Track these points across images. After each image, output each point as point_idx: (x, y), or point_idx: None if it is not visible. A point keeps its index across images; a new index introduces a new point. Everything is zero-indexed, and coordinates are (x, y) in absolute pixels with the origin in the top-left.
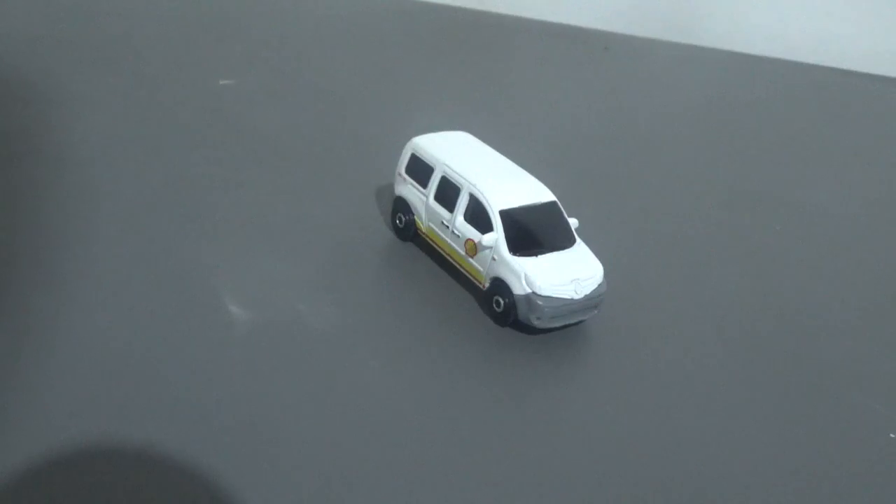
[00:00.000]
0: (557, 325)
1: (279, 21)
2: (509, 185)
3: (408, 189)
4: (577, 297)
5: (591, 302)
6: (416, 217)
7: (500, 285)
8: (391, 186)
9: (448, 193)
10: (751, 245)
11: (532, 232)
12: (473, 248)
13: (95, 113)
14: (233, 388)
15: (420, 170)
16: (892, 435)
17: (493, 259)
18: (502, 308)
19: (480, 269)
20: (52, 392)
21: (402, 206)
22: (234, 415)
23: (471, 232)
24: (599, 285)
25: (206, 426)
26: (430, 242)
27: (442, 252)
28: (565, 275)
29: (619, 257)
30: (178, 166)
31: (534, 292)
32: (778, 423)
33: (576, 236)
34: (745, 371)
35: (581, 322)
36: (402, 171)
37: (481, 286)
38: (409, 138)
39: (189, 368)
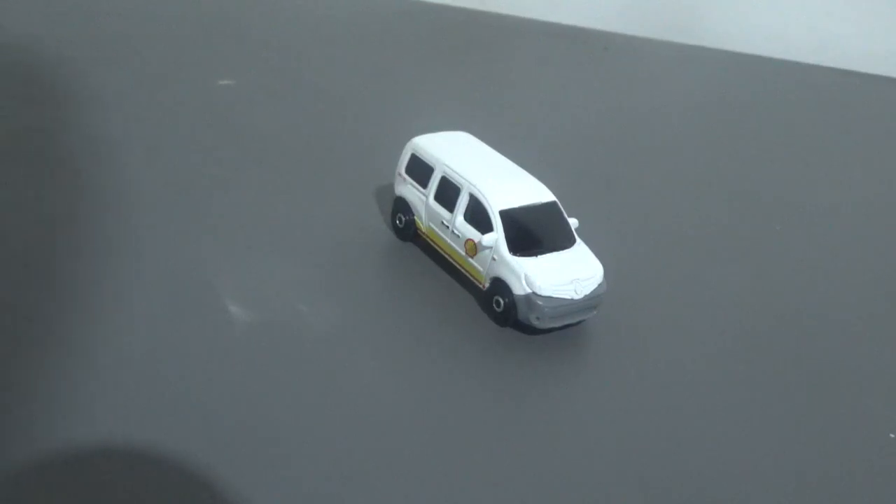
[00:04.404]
0: (557, 325)
1: (279, 21)
2: (509, 185)
3: (408, 189)
4: (577, 297)
5: (591, 302)
6: (416, 217)
7: (500, 285)
8: (391, 186)
9: (448, 193)
10: (751, 245)
11: (532, 232)
12: (473, 248)
13: (95, 113)
14: (233, 388)
15: (420, 170)
16: (892, 435)
17: (493, 259)
18: (502, 308)
19: (480, 269)
20: (51, 392)
21: (402, 206)
22: (234, 415)
23: (471, 232)
24: (599, 285)
25: (206, 426)
26: (430, 242)
27: (442, 252)
28: (565, 275)
29: (619, 257)
30: (178, 166)
31: (534, 292)
32: (778, 423)
33: (576, 236)
34: (745, 371)
35: (581, 322)
36: (402, 171)
37: (481, 286)
38: (409, 138)
39: (189, 369)
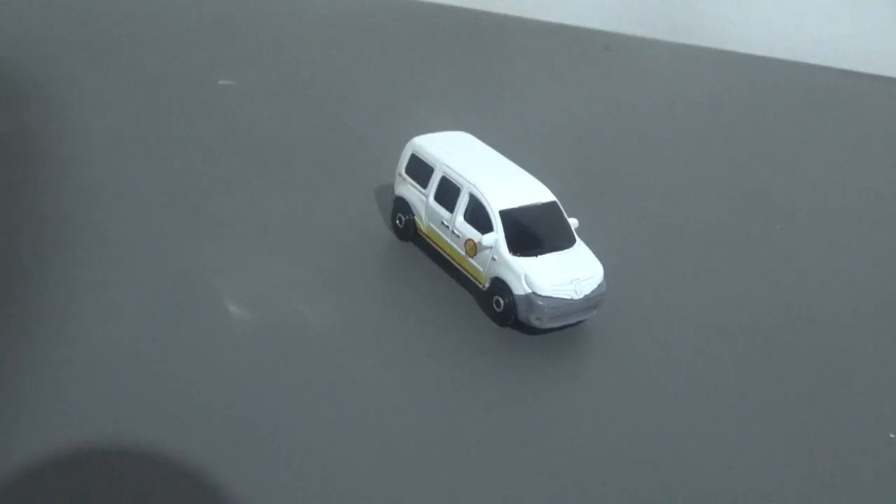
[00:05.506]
0: (557, 325)
1: (279, 21)
2: (509, 186)
3: (408, 189)
4: (576, 297)
5: (591, 302)
6: (416, 217)
7: (500, 285)
8: (391, 186)
9: (448, 193)
10: (751, 245)
11: (532, 232)
12: (473, 248)
13: (95, 113)
14: (233, 388)
15: (420, 170)
16: (892, 435)
17: (493, 259)
18: (502, 308)
19: (480, 269)
20: (51, 392)
21: (402, 206)
22: (234, 415)
23: (471, 232)
24: (599, 285)
25: (206, 426)
26: (430, 242)
27: (442, 252)
28: (565, 275)
29: (619, 257)
30: (178, 166)
31: (534, 292)
32: (777, 423)
33: (576, 236)
34: (745, 371)
35: (581, 322)
36: (402, 171)
37: (481, 286)
38: (409, 138)
39: (189, 368)
